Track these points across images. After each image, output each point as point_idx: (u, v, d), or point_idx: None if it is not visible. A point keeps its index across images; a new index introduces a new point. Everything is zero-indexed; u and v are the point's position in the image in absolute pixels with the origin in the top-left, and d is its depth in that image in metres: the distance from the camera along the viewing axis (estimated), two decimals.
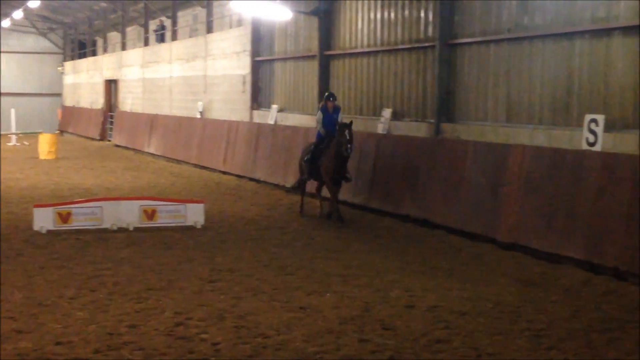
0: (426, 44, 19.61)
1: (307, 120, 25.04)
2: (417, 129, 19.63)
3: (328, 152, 18.14)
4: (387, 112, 20.98)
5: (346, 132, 17.48)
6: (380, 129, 20.88)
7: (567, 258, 13.48)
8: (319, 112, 18.81)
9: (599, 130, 14.12)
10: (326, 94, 19.13)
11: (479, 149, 16.46)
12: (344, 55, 23.61)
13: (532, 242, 14.35)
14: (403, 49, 20.66)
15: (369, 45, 22.29)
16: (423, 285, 12.16)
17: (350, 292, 11.73)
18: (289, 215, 19.25)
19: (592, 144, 14.16)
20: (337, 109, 18.73)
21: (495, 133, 17.02)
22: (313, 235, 16.54)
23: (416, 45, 20.07)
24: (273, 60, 28.32)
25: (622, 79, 14.15)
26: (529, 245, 14.40)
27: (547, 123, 15.85)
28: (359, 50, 22.75)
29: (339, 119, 18.44)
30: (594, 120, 14.23)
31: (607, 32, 14.45)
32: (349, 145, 17.47)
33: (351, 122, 17.79)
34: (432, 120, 19.18)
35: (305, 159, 19.04)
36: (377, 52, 21.90)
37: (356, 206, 19.88)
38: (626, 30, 14.06)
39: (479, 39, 17.79)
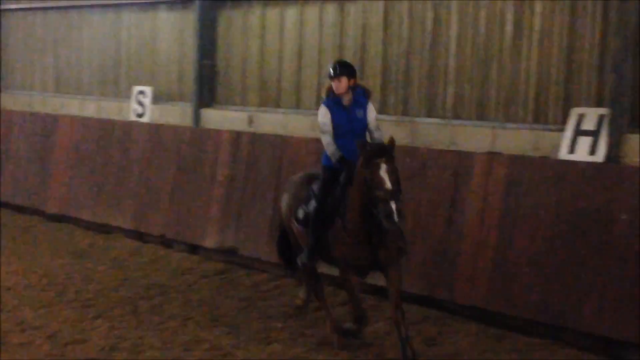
0: None
1: None
2: None
3: (349, 207, 8.09)
4: None
5: (382, 169, 7.72)
6: None
7: (117, 228, 13.62)
8: (322, 107, 8.49)
9: (147, 101, 14.39)
10: (331, 65, 8.62)
11: (26, 119, 16.00)
12: None
13: (82, 213, 14.29)
14: None
15: None
16: None
17: None
18: None
19: (140, 115, 14.40)
20: (359, 98, 8.50)
21: (44, 103, 16.66)
22: None
23: None
24: None
25: (168, 52, 14.54)
26: (79, 216, 14.32)
27: (97, 94, 15.84)
28: None
29: (371, 124, 8.46)
30: (142, 92, 14.48)
31: (153, 5, 14.74)
32: (392, 206, 7.58)
33: (392, 143, 7.86)
34: None
35: (299, 215, 8.71)
36: None
37: None
38: (170, 5, 14.45)
39: (25, 6, 17.24)
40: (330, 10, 12.11)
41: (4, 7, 17.74)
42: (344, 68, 8.42)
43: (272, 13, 12.88)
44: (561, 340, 8.42)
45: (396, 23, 11.24)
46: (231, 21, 13.53)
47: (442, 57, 10.73)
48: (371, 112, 8.42)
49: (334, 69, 8.38)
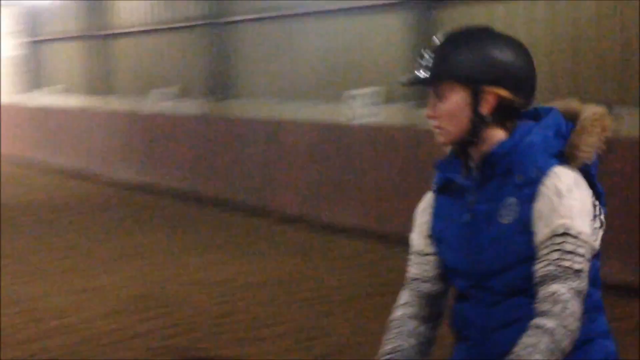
0: (201, 22, 19.60)
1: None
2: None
3: None
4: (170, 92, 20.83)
5: None
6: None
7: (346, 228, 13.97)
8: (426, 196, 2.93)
9: (366, 104, 14.73)
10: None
11: (253, 126, 16.56)
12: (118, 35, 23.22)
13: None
14: (179, 28, 20.55)
15: (146, 24, 21.96)
16: (204, 262, 12.13)
17: (130, 272, 11.56)
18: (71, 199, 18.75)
19: (360, 118, 14.73)
20: (525, 159, 2.62)
21: (270, 110, 17.34)
22: (96, 217, 16.29)
23: (190, 24, 20.03)
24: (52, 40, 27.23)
25: (385, 55, 14.80)
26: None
27: (314, 98, 16.36)
28: (137, 29, 22.41)
29: (544, 267, 2.52)
30: (361, 95, 14.84)
31: (369, 9, 15.09)
32: None
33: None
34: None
35: None
36: (149, 31, 21.68)
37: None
38: (386, 8, 14.76)
39: (252, 16, 18.00)
40: None
41: (231, 19, 18.57)
42: (445, 50, 2.90)
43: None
44: None
45: None
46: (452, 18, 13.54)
47: None
48: (549, 217, 2.62)
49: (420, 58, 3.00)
